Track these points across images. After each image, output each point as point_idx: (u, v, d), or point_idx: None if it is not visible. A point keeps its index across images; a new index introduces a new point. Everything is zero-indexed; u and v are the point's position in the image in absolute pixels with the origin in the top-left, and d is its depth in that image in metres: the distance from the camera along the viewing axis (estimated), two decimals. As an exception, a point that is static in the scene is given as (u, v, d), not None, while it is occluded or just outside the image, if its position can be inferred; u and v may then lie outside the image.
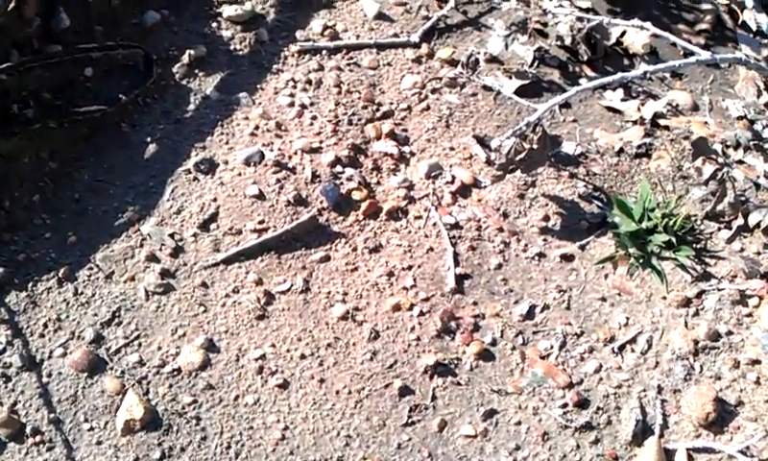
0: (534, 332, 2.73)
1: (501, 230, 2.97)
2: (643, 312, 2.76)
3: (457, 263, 2.87)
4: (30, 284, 2.67)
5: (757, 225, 2.73)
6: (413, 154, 3.18)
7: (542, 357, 2.67)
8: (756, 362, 2.60)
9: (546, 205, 3.07)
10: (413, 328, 2.71)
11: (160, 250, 2.79)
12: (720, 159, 2.96)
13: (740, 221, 2.76)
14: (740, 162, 3.11)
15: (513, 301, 2.81)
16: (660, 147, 3.27)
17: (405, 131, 3.25)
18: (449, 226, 2.97)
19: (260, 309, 2.69)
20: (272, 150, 3.06)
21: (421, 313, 2.74)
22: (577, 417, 2.53)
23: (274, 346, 2.63)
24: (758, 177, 2.99)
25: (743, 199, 2.92)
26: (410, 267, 2.85)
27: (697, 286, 2.80)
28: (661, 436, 2.50)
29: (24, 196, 2.87)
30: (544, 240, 2.97)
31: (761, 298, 2.74)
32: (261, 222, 2.88)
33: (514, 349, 2.68)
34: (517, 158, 2.82)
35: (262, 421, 2.49)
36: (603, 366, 2.64)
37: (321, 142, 3.12)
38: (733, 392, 2.56)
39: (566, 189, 3.12)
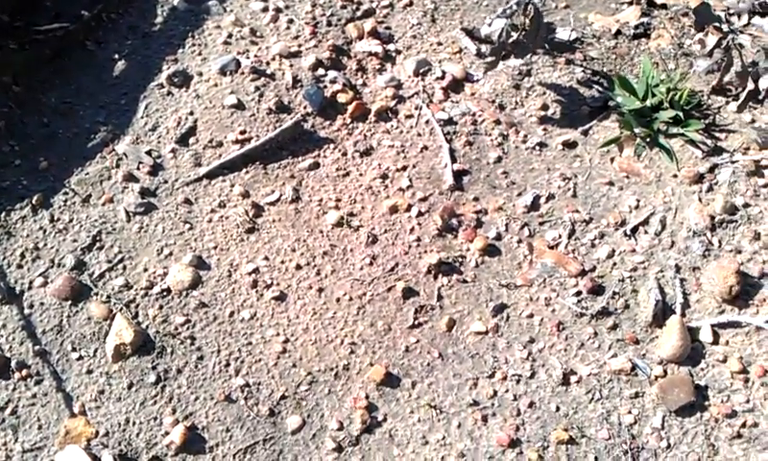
0: (540, 223, 2.65)
1: (498, 122, 2.88)
2: (654, 193, 2.68)
3: (454, 160, 2.78)
4: (2, 214, 2.58)
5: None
6: (399, 51, 3.07)
7: (551, 247, 2.59)
8: (778, 232, 2.52)
9: (544, 93, 2.97)
10: (412, 229, 2.62)
11: (138, 169, 2.70)
12: (724, 27, 2.84)
13: (750, 86, 2.66)
14: (745, 29, 3.00)
15: (515, 193, 2.72)
16: (658, 26, 3.17)
17: (389, 28, 3.14)
18: (443, 122, 2.87)
19: (249, 222, 2.60)
20: (248, 57, 2.95)
21: (420, 213, 2.65)
22: (592, 304, 2.46)
23: (267, 259, 2.54)
24: (768, 43, 2.88)
25: (751, 67, 2.81)
26: (404, 167, 2.76)
27: (709, 161, 2.72)
28: (683, 315, 2.42)
29: (-12, 123, 2.76)
30: (544, 129, 2.88)
31: (778, 167, 2.65)
32: (243, 132, 2.78)
33: (520, 241, 2.60)
34: (509, 41, 2.71)
35: (261, 335, 2.41)
36: (616, 250, 2.57)
37: (299, 46, 3.02)
38: (756, 264, 2.49)
39: (564, 76, 3.02)
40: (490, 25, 2.70)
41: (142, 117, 2.81)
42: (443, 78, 2.98)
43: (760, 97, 2.74)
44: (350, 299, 2.48)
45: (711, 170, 2.70)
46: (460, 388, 2.35)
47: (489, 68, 2.87)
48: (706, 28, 2.87)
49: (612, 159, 2.79)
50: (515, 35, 2.69)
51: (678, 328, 2.32)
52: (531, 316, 2.46)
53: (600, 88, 2.97)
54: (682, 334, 2.31)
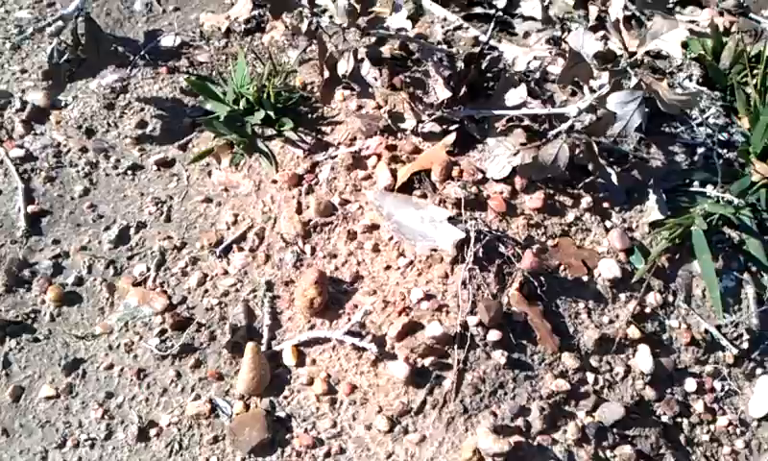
0: (128, 258, 2.46)
1: (85, 150, 2.66)
2: (253, 204, 2.51)
3: (31, 201, 2.54)
4: None
5: (345, 74, 2.46)
6: (-29, 92, 2.79)
7: (137, 284, 2.39)
8: (374, 227, 2.41)
9: (142, 109, 2.78)
10: (-23, 292, 2.36)
11: None
12: (306, 11, 2.63)
13: (327, 73, 2.51)
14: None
15: (103, 228, 2.51)
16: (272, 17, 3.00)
17: (-40, 68, 2.85)
18: (20, 160, 2.61)
19: None
20: None
21: (-12, 270, 2.39)
22: (176, 342, 2.26)
23: None
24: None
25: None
26: (-27, 221, 2.49)
27: (311, 159, 2.58)
28: (273, 338, 2.27)
29: None
30: (141, 150, 2.68)
31: (379, 156, 2.53)
32: None
33: (104, 282, 2.38)
34: (62, 61, 2.48)
35: None
36: (208, 275, 2.38)
37: None
38: (350, 267, 2.36)
39: (166, 87, 2.83)
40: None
41: None
42: (23, 109, 2.71)
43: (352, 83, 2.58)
44: None
45: (312, 169, 2.55)
46: (27, 467, 2.11)
47: (56, 93, 2.63)
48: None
49: (211, 173, 2.60)
50: (66, 51, 2.45)
51: (251, 357, 2.15)
52: (110, 367, 2.26)
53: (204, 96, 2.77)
54: (255, 363, 2.15)
